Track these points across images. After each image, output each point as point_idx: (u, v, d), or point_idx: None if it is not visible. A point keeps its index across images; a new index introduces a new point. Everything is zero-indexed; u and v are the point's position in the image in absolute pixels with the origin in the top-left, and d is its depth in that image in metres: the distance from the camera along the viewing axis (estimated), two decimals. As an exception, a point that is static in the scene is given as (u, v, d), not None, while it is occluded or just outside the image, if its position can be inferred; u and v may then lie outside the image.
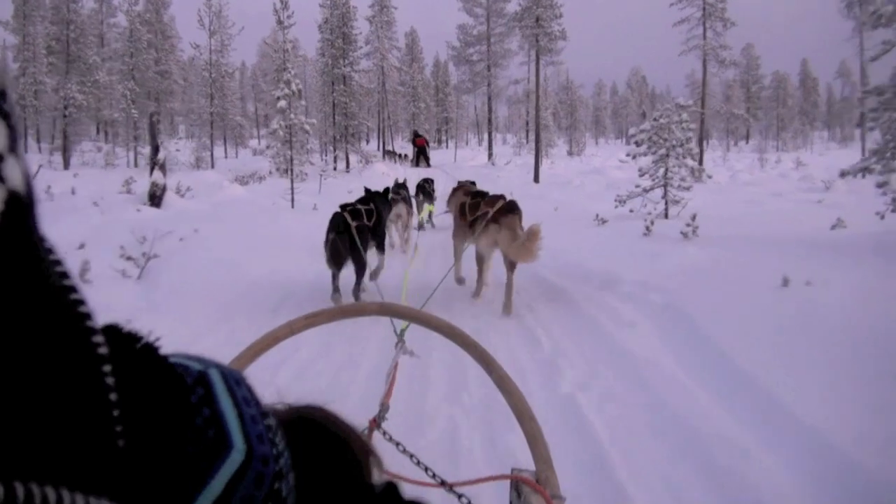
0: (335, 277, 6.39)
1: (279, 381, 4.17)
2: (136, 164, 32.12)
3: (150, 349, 0.41)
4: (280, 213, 12.96)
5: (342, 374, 4.68)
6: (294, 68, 28.02)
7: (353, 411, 0.70)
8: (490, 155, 37.50)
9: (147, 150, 31.28)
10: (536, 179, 26.11)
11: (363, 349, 5.15)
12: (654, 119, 12.04)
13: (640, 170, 12.45)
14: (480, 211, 6.40)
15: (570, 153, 49.81)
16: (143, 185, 15.53)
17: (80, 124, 32.28)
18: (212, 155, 30.80)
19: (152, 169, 13.40)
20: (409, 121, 51.17)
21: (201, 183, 21.51)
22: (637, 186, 12.34)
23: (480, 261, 6.58)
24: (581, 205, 15.27)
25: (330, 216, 6.67)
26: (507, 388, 1.36)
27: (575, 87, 62.25)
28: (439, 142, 62.46)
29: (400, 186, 10.38)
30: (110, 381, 0.33)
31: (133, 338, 0.40)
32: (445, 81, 60.27)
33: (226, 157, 40.22)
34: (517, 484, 1.19)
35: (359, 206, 6.81)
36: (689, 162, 11.70)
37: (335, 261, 6.33)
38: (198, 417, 0.41)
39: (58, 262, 0.31)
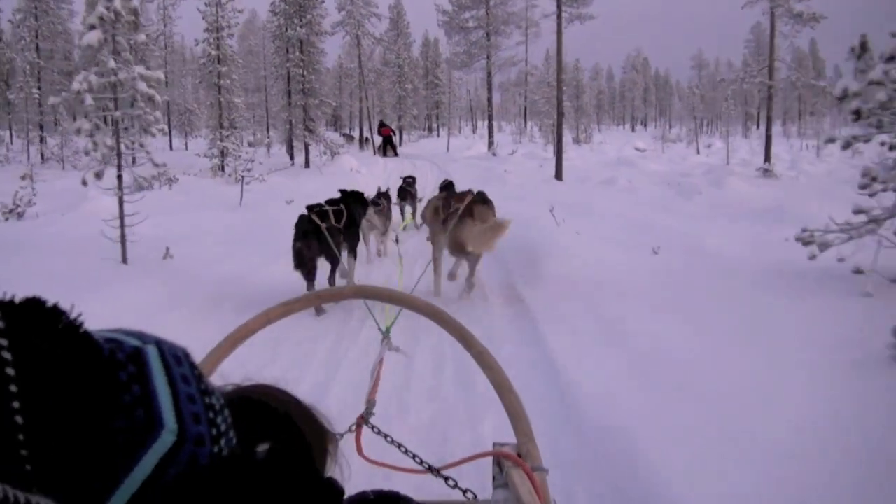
0: (310, 283, 5.93)
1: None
2: (42, 159, 25.15)
3: (70, 324, 0.39)
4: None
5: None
6: (232, 29, 21.11)
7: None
8: (490, 143, 30.69)
9: (55, 140, 24.43)
10: (559, 176, 19.38)
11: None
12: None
13: (871, 177, 5.67)
14: (452, 208, 6.28)
15: (576, 141, 43.16)
16: None
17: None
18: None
19: None
20: (395, 105, 44.10)
21: (66, 192, 14.53)
22: (859, 213, 5.63)
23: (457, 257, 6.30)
24: (682, 232, 8.50)
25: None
26: (487, 364, 1.36)
27: (581, 68, 55.59)
28: (430, 129, 55.66)
29: (381, 195, 9.21)
30: (6, 355, 0.32)
31: (54, 313, 0.39)
32: (436, 62, 53.18)
33: (171, 149, 33.19)
34: (499, 458, 1.22)
35: (326, 207, 6.28)
36: None
37: (303, 267, 5.94)
38: (126, 395, 0.40)
39: None
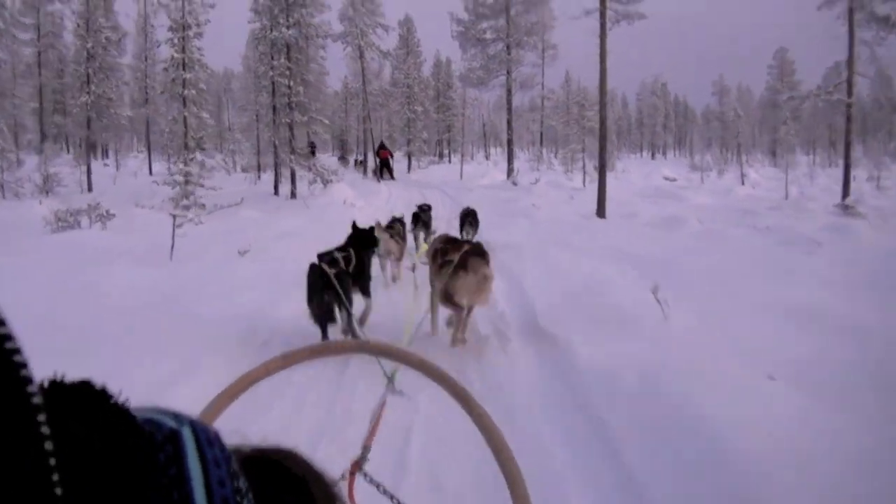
0: (324, 332, 5.77)
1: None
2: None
3: (117, 407, 0.41)
4: None
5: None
6: (202, 27, 17.46)
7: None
8: (510, 171, 27.00)
9: None
10: (601, 212, 15.59)
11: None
12: None
13: None
14: (449, 256, 6.15)
15: (596, 169, 39.48)
16: None
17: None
18: (88, 171, 20.09)
19: None
20: (403, 128, 40.54)
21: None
22: None
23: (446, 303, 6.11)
24: (888, 340, 4.59)
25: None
26: (486, 427, 1.30)
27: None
28: (440, 155, 52.10)
29: (396, 220, 9.39)
30: (45, 430, 0.33)
31: (102, 394, 0.41)
32: (448, 83, 49.83)
33: (150, 173, 29.67)
34: None
35: (336, 255, 6.25)
36: None
37: (321, 320, 5.86)
38: (163, 477, 0.41)
39: None
